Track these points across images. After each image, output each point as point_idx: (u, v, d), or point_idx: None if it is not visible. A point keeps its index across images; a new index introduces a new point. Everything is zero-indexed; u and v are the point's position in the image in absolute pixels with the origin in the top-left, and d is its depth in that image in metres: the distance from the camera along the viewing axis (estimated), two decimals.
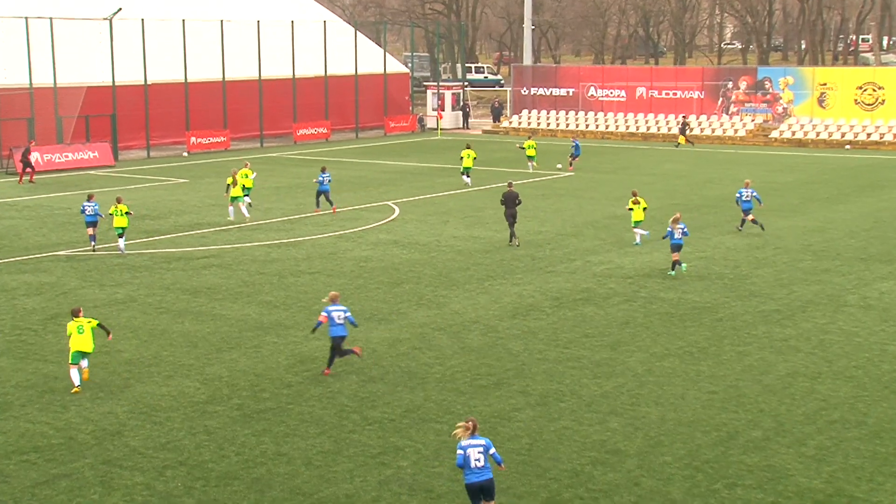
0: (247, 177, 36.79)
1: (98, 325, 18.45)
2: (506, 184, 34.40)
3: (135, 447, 15.47)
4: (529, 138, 48.53)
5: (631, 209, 30.14)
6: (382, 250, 30.11)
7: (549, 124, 69.27)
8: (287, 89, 62.15)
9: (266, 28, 60.23)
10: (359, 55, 66.16)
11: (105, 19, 53.65)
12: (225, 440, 15.75)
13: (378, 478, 14.45)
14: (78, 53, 53.92)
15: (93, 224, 29.73)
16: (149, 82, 55.17)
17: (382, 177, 47.04)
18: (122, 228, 29.39)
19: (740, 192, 32.41)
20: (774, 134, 62.10)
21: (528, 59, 75.39)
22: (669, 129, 65.09)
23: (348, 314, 18.66)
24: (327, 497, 13.86)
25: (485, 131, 71.23)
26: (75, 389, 17.89)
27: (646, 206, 30.32)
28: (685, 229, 26.75)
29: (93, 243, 29.86)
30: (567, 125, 68.56)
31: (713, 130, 63.97)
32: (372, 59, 68.69)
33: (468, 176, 43.16)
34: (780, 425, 16.38)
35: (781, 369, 19.21)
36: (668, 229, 26.75)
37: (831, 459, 15.05)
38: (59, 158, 49.67)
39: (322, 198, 36.45)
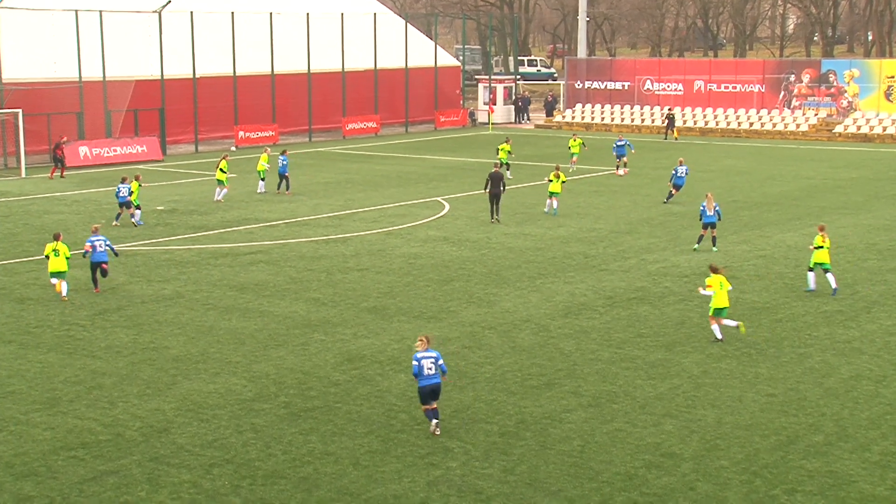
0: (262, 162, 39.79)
1: (68, 256, 24.00)
2: (493, 164, 36.28)
3: (182, 444, 15.68)
4: (574, 137, 47.73)
5: (550, 181, 34.33)
6: (432, 247, 30.18)
7: (603, 119, 68.92)
8: (336, 83, 62.52)
9: (315, 21, 60.64)
10: (409, 48, 66.36)
11: (154, 12, 54.38)
12: (272, 438, 15.91)
13: (426, 479, 14.49)
14: (127, 47, 54.71)
15: (124, 205, 32.96)
16: (197, 76, 55.82)
17: (432, 172, 47.13)
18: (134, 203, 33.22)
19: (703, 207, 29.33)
20: (839, 129, 61.17)
21: (582, 51, 75.05)
22: (728, 125, 64.42)
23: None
24: (375, 497, 13.94)
25: (537, 126, 71.04)
26: (63, 298, 23.66)
27: (565, 179, 34.19)
28: (718, 208, 29.03)
29: (115, 222, 33.14)
30: (622, 120, 68.14)
31: (774, 125, 63.19)
32: (423, 52, 68.86)
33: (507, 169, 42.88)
34: (843, 430, 16.15)
35: (844, 372, 18.94)
36: (702, 206, 29.04)
37: None
38: (108, 153, 50.44)
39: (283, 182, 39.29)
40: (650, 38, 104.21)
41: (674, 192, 37.68)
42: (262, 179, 40.38)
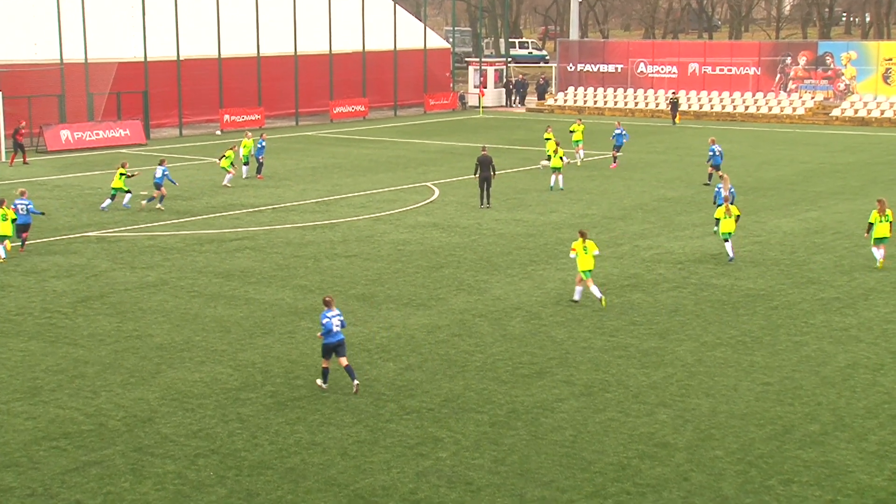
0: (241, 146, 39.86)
1: (13, 220, 26.50)
2: (481, 147, 36.07)
3: (166, 434, 15.64)
4: (578, 121, 45.89)
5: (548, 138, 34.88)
6: (421, 233, 30.14)
7: (596, 102, 68.85)
8: (324, 65, 62.31)
9: (302, 2, 60.38)
10: (398, 30, 66.14)
11: None
12: (258, 428, 15.88)
13: (416, 469, 14.49)
14: (109, 27, 54.41)
15: (157, 186, 33.51)
16: (182, 58, 55.54)
17: (422, 157, 47.05)
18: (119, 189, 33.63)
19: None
20: (835, 112, 61.24)
21: (574, 33, 74.90)
22: (723, 108, 64.43)
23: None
24: (363, 488, 13.93)
25: (529, 109, 70.94)
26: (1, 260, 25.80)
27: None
28: (733, 190, 28.92)
29: (144, 203, 33.83)
30: (615, 103, 68.11)
31: (770, 109, 63.22)
32: (411, 33, 68.64)
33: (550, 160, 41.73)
34: (840, 419, 16.20)
35: (841, 360, 18.98)
36: (717, 188, 29.08)
37: (894, 456, 14.85)
38: (90, 136, 50.19)
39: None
40: (644, 20, 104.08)
41: (712, 171, 37.50)
42: (246, 164, 40.22)
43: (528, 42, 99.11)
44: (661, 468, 14.47)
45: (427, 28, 70.57)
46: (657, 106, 66.27)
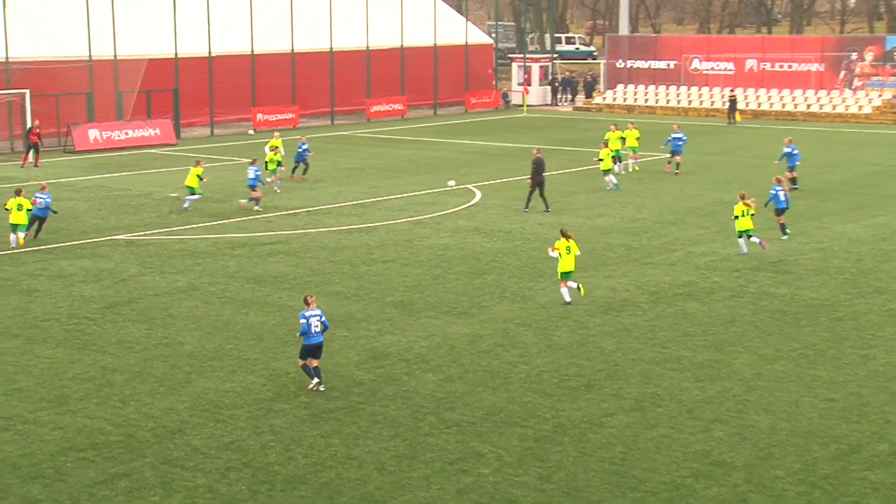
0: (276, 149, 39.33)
1: (28, 210, 28.88)
2: (534, 151, 35.52)
3: (197, 446, 15.76)
4: (630, 126, 43.09)
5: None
6: (462, 238, 30.15)
7: (646, 100, 68.54)
8: (360, 62, 62.57)
9: None
10: (438, 24, 66.27)
11: None
12: (292, 441, 15.96)
13: (456, 486, 14.48)
14: (139, 23, 54.99)
15: (252, 188, 34.29)
16: (213, 54, 56.03)
17: (462, 158, 47.08)
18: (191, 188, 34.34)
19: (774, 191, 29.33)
20: None
21: (624, 28, 74.66)
22: (783, 107, 63.87)
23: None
24: None
25: (576, 108, 70.78)
26: (14, 248, 28.40)
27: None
28: (787, 193, 29.30)
29: (255, 204, 34.43)
30: (667, 101, 67.76)
31: (834, 107, 62.59)
32: (453, 28, 68.77)
33: (619, 161, 40.17)
34: None
35: None
36: (772, 192, 29.01)
37: None
38: (119, 136, 50.73)
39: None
40: (698, 13, 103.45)
41: (788, 174, 36.80)
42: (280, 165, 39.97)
43: (574, 37, 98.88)
44: (717, 488, 14.35)
45: (469, 22, 70.71)
46: (712, 104, 65.82)
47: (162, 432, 16.28)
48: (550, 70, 74.26)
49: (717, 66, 67.33)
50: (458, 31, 69.03)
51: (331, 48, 60.83)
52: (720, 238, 29.87)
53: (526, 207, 33.89)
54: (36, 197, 29.71)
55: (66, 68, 51.23)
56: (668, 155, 42.11)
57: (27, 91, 47.11)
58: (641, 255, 28.04)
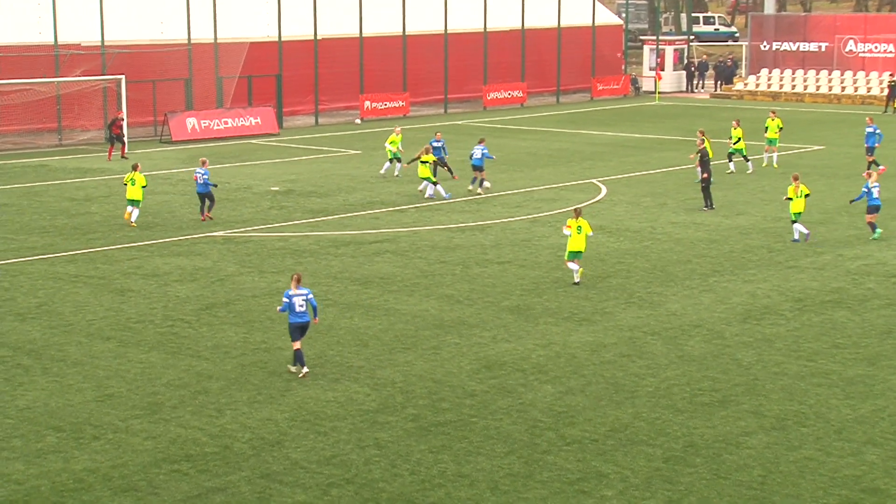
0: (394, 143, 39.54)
1: (143, 187, 31.81)
2: (697, 141, 35.66)
3: (296, 460, 16.02)
4: (772, 115, 42.45)
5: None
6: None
7: (794, 87, 67.17)
8: (477, 45, 62.72)
9: None
10: (563, 4, 66.01)
11: None
12: (398, 456, 16.10)
13: None
14: (241, 4, 55.98)
15: (477, 168, 36.16)
16: (319, 37, 56.77)
17: (587, 150, 46.85)
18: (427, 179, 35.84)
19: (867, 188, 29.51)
20: None
21: (770, 6, 73.32)
22: None
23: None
24: None
25: (714, 96, 69.79)
26: (131, 224, 31.47)
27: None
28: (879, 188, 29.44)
29: (470, 187, 36.58)
30: (818, 88, 66.30)
31: None
32: (578, 8, 68.42)
33: (748, 159, 40.31)
34: None
35: None
36: (864, 189, 29.29)
37: None
38: (218, 125, 51.70)
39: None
40: None
41: (868, 157, 37.14)
42: (394, 160, 39.80)
43: (714, 17, 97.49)
44: None
45: (596, 2, 70.27)
46: (868, 91, 64.14)
47: (260, 444, 16.59)
48: (686, 53, 73.30)
49: (876, 48, 65.57)
50: (585, 10, 68.67)
51: (445, 30, 61.12)
52: (876, 240, 29.13)
53: (708, 205, 33.48)
54: (196, 173, 32.49)
55: (163, 52, 52.43)
56: (867, 155, 40.52)
57: (123, 77, 48.28)
58: (785, 257, 27.54)
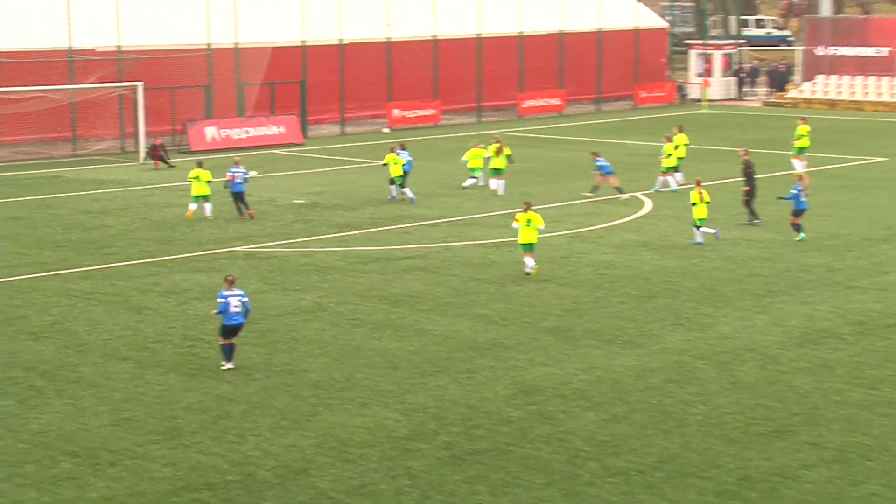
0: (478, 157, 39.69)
1: (208, 182, 34.21)
2: (741, 152, 36.05)
3: (323, 490, 16.03)
4: (801, 122, 43.56)
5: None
6: (629, 254, 29.95)
7: (853, 94, 66.88)
8: (512, 50, 62.82)
9: None
10: (603, 6, 66.07)
11: None
12: (430, 486, 16.08)
13: None
14: (263, 7, 56.28)
15: (604, 173, 37.36)
16: (345, 42, 56.99)
17: (630, 161, 46.75)
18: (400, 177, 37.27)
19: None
20: None
21: (826, 8, 73.09)
22: None
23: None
24: None
25: (766, 104, 69.56)
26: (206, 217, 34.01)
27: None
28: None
29: (622, 196, 37.50)
30: (878, 96, 66.03)
31: None
32: (620, 11, 68.45)
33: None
34: None
35: None
36: (793, 191, 30.92)
37: None
38: (239, 134, 51.98)
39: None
40: None
41: None
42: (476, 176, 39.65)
43: (765, 20, 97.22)
44: None
45: (640, 4, 70.25)
46: None
47: (284, 472, 16.62)
48: (735, 58, 73.10)
49: None
50: (627, 13, 68.65)
51: (478, 34, 61.25)
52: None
53: (755, 218, 33.43)
54: (233, 172, 34.14)
55: (182, 58, 52.66)
56: None
57: (140, 84, 48.53)
58: (845, 277, 27.40)
